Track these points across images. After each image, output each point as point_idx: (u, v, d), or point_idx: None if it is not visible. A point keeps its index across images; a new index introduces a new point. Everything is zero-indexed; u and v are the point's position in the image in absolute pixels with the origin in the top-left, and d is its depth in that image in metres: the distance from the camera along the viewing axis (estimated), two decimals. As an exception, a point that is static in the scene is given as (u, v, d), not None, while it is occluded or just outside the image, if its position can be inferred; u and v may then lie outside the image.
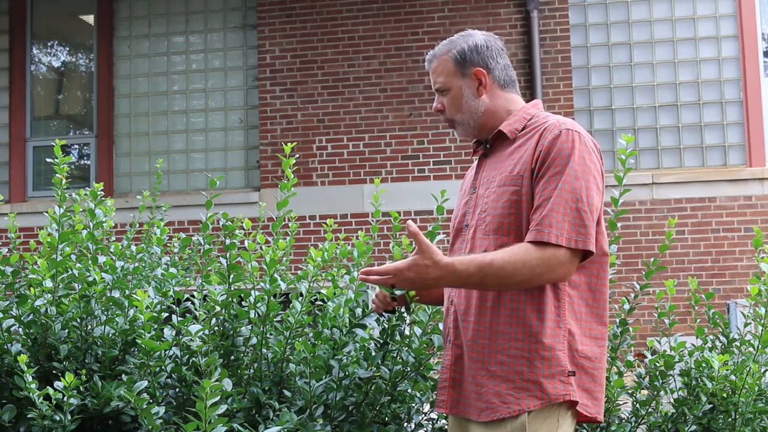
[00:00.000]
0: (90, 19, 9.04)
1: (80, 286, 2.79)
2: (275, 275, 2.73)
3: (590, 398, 2.14)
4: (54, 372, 2.69)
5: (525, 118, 2.30)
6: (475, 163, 2.44)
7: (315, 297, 2.87)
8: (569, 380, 2.09)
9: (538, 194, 2.12)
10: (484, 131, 2.34)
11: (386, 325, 2.54)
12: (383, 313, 2.47)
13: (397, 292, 2.27)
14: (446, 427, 2.92)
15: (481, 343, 2.16)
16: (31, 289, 2.78)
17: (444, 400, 2.25)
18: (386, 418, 2.77)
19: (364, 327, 2.64)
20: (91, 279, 2.77)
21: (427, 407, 2.92)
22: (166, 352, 2.64)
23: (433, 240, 2.72)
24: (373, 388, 2.62)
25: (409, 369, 2.61)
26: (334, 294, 2.87)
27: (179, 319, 2.79)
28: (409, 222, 2.05)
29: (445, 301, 2.36)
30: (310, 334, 2.78)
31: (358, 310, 2.64)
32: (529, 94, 7.77)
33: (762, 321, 2.89)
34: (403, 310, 2.48)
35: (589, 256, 2.13)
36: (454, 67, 2.31)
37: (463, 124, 2.34)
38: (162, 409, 2.35)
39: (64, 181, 2.92)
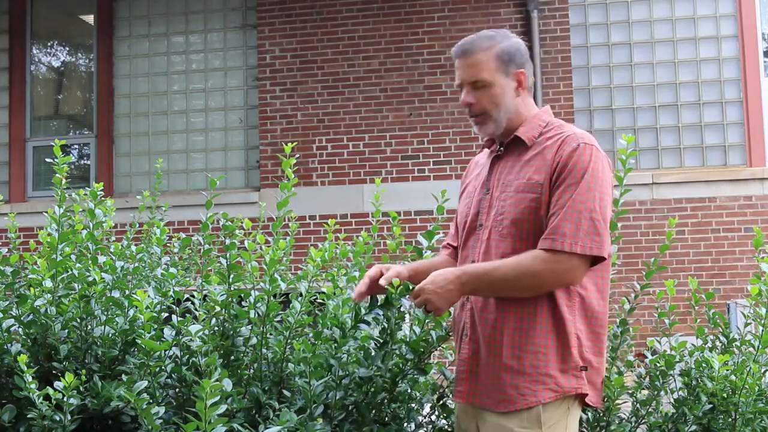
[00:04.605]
0: (90, 19, 9.04)
1: (80, 286, 2.79)
2: (275, 275, 2.73)
3: (594, 390, 2.33)
4: (54, 372, 2.68)
5: (540, 125, 2.39)
6: (483, 161, 2.52)
7: (315, 297, 2.87)
8: (581, 374, 2.27)
9: (554, 203, 2.24)
10: (507, 132, 2.41)
11: (386, 325, 2.54)
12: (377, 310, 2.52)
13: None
14: (446, 427, 2.92)
15: (499, 338, 2.29)
16: (31, 289, 2.77)
17: (462, 390, 2.38)
18: (386, 418, 2.77)
19: (368, 323, 2.64)
20: (91, 279, 2.77)
21: (427, 408, 2.92)
22: (166, 352, 2.63)
23: (431, 239, 2.72)
24: (372, 387, 2.62)
25: (408, 366, 2.61)
26: (334, 293, 2.86)
27: (179, 319, 2.78)
28: (382, 281, 2.33)
29: None
30: (310, 334, 2.78)
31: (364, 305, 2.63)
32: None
33: (762, 321, 2.89)
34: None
35: (600, 261, 2.27)
36: (498, 64, 2.35)
37: (496, 121, 2.38)
38: (162, 409, 2.35)
39: (63, 181, 2.92)
